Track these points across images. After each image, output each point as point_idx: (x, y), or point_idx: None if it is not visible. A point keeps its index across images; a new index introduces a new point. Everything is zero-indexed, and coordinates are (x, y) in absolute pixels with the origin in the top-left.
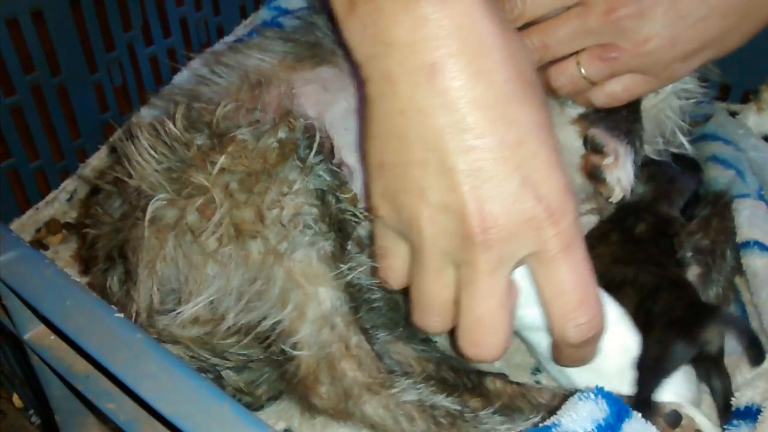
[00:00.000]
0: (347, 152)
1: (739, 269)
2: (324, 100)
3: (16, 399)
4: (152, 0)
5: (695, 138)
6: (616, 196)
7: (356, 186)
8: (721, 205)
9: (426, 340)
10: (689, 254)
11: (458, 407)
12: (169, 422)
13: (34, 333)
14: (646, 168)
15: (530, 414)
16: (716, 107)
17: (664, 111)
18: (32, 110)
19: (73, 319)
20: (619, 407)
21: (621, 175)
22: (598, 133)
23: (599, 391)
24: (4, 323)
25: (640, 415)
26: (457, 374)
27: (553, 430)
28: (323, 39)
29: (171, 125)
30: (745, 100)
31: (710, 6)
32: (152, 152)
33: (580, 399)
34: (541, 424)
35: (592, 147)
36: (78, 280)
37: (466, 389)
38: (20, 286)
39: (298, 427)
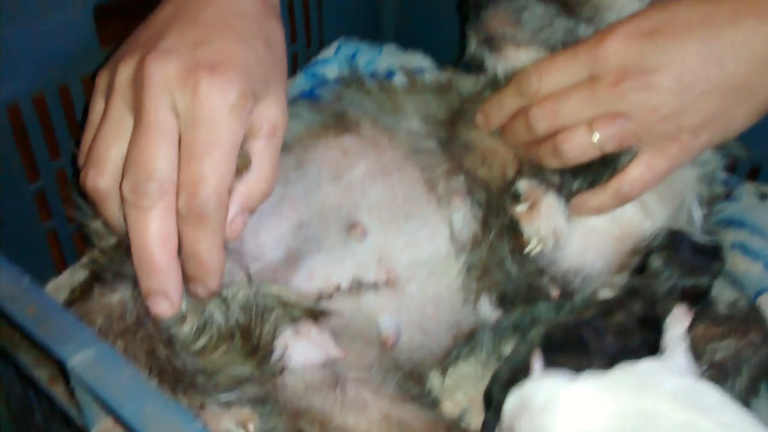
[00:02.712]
0: (363, 214)
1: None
2: (343, 164)
3: None
4: None
5: (718, 221)
6: (533, 248)
7: (370, 248)
8: (754, 316)
9: None
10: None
11: None
12: None
13: (102, 427)
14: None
15: None
16: (744, 189)
17: (679, 181)
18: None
19: (155, 427)
20: None
21: (541, 225)
22: (520, 184)
23: None
24: (70, 414)
25: None
26: None
27: None
28: (348, 109)
29: None
30: None
31: (711, 83)
32: None
33: None
34: None
35: (512, 197)
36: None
37: None
38: (97, 386)
39: None
